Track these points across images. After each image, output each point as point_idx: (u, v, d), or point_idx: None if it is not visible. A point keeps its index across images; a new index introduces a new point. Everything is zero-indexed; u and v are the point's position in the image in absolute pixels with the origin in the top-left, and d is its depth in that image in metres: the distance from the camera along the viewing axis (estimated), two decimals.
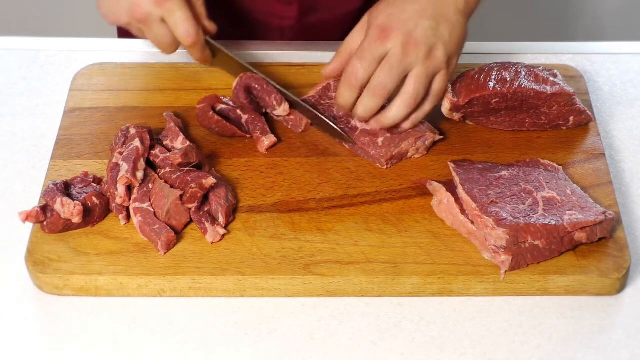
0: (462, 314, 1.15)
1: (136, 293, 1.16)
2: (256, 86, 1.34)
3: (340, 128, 1.31)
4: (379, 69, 1.25)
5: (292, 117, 1.33)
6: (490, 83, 1.30)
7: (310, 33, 1.57)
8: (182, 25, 1.30)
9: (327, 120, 1.31)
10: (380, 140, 1.29)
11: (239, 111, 1.33)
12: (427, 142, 1.30)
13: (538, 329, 1.14)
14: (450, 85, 1.32)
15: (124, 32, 1.63)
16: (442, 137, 1.31)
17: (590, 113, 1.34)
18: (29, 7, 2.70)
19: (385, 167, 1.29)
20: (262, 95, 1.34)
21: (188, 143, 1.27)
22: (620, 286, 1.17)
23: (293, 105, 1.34)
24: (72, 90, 1.39)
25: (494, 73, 1.30)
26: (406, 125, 1.29)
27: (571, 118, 1.33)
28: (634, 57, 1.48)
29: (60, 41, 1.50)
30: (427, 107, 1.29)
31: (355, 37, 1.31)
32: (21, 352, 1.12)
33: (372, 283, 1.16)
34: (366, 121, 1.30)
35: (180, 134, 1.28)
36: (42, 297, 1.16)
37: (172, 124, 1.30)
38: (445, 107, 1.32)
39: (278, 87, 1.35)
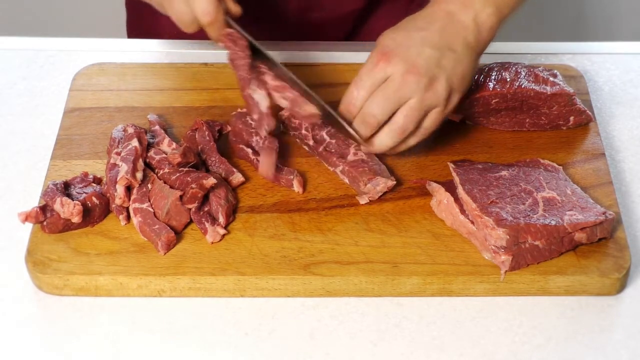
0: (462, 314, 1.15)
1: (136, 293, 1.16)
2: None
3: (352, 129, 1.23)
4: (373, 97, 1.19)
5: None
6: (490, 83, 1.29)
7: (312, 32, 1.56)
8: (201, 1, 1.20)
9: (339, 118, 1.23)
10: (339, 169, 1.26)
11: (204, 155, 1.28)
12: (378, 188, 1.23)
13: (538, 329, 1.14)
14: None
15: (133, 32, 1.64)
16: (394, 182, 1.24)
17: (590, 113, 1.34)
18: (29, 7, 2.70)
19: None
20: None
21: (174, 145, 1.26)
22: (620, 286, 1.17)
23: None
24: (72, 90, 1.39)
25: (494, 73, 1.30)
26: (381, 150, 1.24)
27: (571, 118, 1.33)
28: (634, 57, 1.48)
29: (60, 41, 1.50)
30: (411, 141, 1.23)
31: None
32: (21, 352, 1.12)
33: (372, 283, 1.16)
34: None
35: (166, 136, 1.28)
36: (42, 297, 1.16)
37: (157, 127, 1.29)
38: None
39: (292, 76, 1.26)
